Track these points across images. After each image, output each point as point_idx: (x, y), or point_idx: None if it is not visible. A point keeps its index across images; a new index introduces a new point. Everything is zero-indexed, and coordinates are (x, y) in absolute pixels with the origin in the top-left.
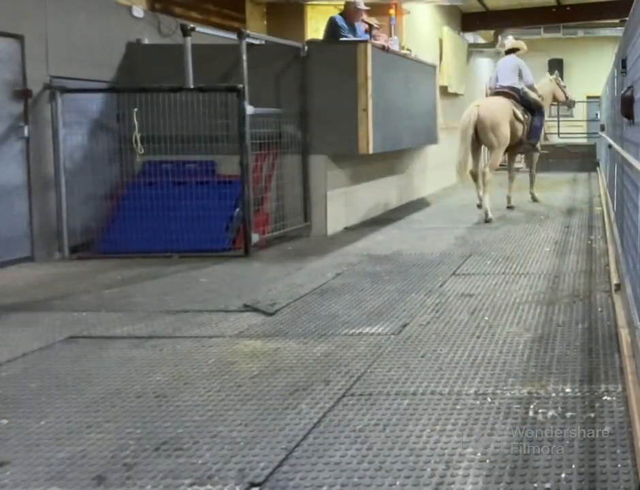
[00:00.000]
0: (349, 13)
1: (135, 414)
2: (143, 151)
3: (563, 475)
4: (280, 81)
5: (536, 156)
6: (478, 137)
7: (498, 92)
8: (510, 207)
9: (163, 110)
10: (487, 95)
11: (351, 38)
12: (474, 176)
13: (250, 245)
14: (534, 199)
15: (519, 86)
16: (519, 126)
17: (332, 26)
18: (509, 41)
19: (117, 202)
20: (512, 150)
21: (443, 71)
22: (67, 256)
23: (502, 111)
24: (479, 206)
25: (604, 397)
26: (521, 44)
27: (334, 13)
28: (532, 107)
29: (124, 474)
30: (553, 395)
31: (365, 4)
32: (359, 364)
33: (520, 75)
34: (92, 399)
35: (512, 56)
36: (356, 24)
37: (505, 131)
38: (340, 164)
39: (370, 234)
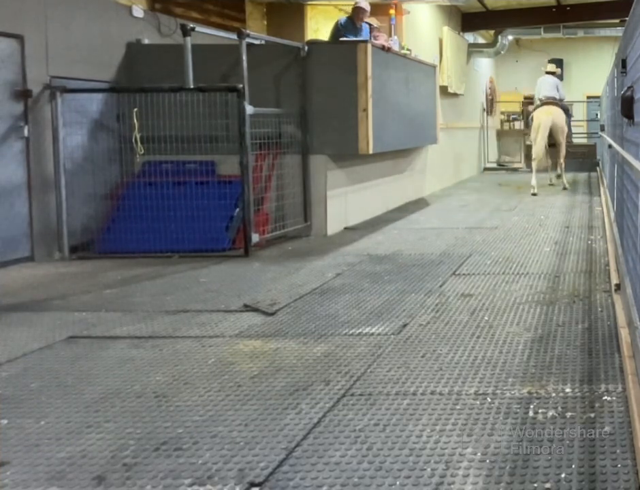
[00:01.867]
0: (353, 14)
1: (135, 414)
2: (143, 151)
3: (563, 475)
4: (280, 81)
5: (563, 150)
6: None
7: (548, 102)
8: (565, 189)
9: (163, 110)
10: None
11: (351, 38)
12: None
13: (250, 245)
14: (565, 187)
15: (558, 97)
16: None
17: (334, 29)
18: (550, 66)
19: (117, 202)
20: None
21: (443, 71)
22: (66, 256)
23: (561, 117)
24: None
25: (604, 397)
26: (557, 70)
27: (334, 13)
28: (565, 111)
29: (124, 474)
30: (553, 395)
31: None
32: (359, 364)
33: (557, 90)
34: (92, 399)
35: (551, 76)
36: (363, 25)
37: (565, 131)
38: (340, 164)
39: (370, 234)
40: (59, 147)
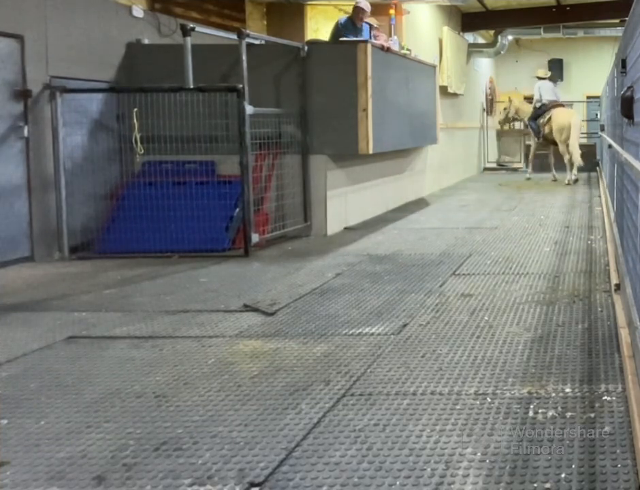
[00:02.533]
0: (353, 14)
1: (135, 414)
2: (143, 151)
3: (563, 475)
4: (280, 81)
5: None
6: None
7: (558, 104)
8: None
9: (163, 110)
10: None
11: (351, 38)
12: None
13: (250, 245)
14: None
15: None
16: None
17: (334, 29)
18: (542, 71)
19: (117, 202)
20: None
21: (443, 71)
22: (66, 256)
23: (578, 117)
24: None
25: (604, 397)
26: (550, 74)
27: (334, 13)
28: None
29: (124, 474)
30: (553, 395)
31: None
32: (359, 364)
33: (555, 94)
34: (92, 399)
35: (548, 81)
36: (363, 24)
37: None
38: (340, 164)
39: (370, 234)
40: (59, 147)
